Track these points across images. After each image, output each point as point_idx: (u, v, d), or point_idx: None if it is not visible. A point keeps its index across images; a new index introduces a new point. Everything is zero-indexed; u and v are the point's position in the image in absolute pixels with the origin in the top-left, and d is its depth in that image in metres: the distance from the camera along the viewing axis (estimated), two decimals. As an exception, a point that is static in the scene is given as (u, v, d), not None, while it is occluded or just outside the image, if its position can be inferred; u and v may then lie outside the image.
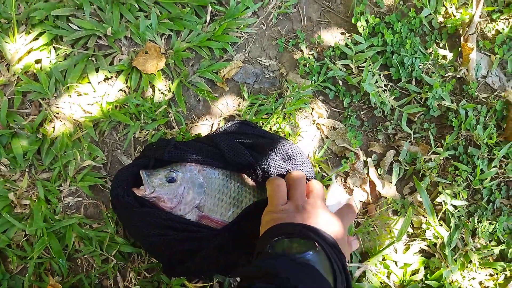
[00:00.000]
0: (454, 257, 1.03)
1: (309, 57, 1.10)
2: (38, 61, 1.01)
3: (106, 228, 0.92)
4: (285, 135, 1.02)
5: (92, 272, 0.92)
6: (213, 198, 0.87)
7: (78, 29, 1.02)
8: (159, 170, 0.85)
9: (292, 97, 1.04)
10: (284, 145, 0.89)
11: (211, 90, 1.05)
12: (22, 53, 1.00)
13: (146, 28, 1.04)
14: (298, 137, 1.05)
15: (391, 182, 1.06)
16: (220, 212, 0.87)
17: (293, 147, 0.89)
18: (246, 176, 0.92)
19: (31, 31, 1.02)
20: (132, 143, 0.99)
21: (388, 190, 1.05)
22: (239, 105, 1.06)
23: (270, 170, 0.84)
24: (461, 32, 1.15)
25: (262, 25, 1.13)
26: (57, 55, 1.01)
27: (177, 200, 0.84)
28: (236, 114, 1.04)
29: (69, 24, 1.02)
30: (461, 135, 1.11)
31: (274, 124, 1.03)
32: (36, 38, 1.01)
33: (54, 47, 1.01)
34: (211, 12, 1.09)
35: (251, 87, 1.08)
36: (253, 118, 1.02)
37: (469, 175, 1.09)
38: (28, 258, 0.89)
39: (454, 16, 1.16)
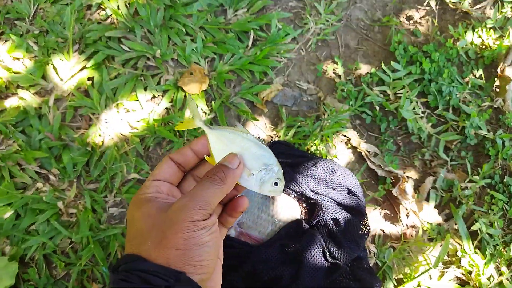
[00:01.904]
0: (489, 286, 1.12)
1: (346, 83, 1.25)
2: (90, 78, 1.18)
3: (150, 238, 1.05)
4: (321, 156, 1.15)
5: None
6: (253, 215, 1.00)
7: (129, 50, 1.19)
8: None
9: (329, 121, 1.18)
10: (324, 161, 1.01)
11: (251, 111, 1.19)
12: (75, 71, 1.18)
13: (192, 51, 1.21)
14: (334, 159, 1.17)
15: (428, 208, 1.17)
16: (259, 230, 1.00)
17: (332, 162, 1.01)
18: (284, 195, 1.03)
19: (84, 50, 1.20)
20: (175, 159, 1.13)
21: (427, 216, 1.16)
22: (277, 126, 1.19)
23: (313, 187, 0.96)
24: (497, 63, 1.28)
25: (301, 51, 1.28)
26: (108, 74, 1.17)
27: None
28: (274, 135, 1.18)
29: (121, 45, 1.20)
30: (498, 164, 1.22)
31: (312, 146, 1.16)
32: (89, 57, 1.19)
33: (106, 66, 1.18)
34: (253, 37, 1.25)
35: (289, 109, 1.22)
36: (291, 139, 1.15)
37: (505, 205, 1.20)
38: (73, 265, 1.02)
39: (491, 47, 1.30)
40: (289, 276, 0.90)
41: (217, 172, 0.59)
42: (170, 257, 0.52)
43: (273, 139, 1.18)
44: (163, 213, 0.55)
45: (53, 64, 1.17)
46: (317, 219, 0.98)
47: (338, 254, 0.93)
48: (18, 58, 1.17)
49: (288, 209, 1.03)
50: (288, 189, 1.02)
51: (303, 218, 1.04)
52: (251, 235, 0.99)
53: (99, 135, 1.13)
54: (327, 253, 0.93)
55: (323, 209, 0.97)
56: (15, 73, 1.15)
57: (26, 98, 1.13)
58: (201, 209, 0.55)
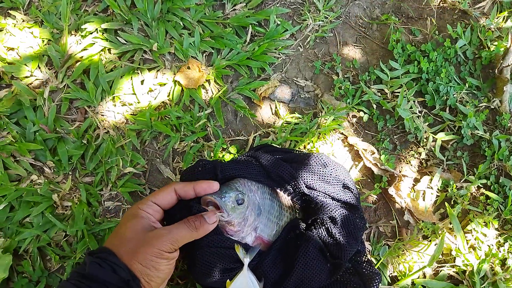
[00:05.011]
0: (482, 286, 1.13)
1: (344, 80, 1.25)
2: (85, 71, 1.17)
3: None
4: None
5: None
6: (265, 218, 0.95)
7: (126, 42, 1.19)
8: (226, 191, 0.87)
9: (326, 118, 1.19)
10: (315, 155, 1.01)
11: (248, 107, 1.19)
12: (71, 62, 1.17)
13: (189, 45, 1.21)
14: (331, 157, 1.18)
15: (424, 207, 1.18)
16: (267, 232, 0.96)
17: (324, 156, 1.02)
18: (282, 193, 1.02)
19: (80, 42, 1.19)
20: (171, 153, 1.13)
21: (422, 214, 1.17)
22: (274, 123, 1.20)
23: (307, 181, 0.97)
24: (495, 64, 1.30)
25: (299, 47, 1.29)
26: (104, 66, 1.16)
27: (244, 223, 0.88)
28: (271, 131, 1.19)
29: (117, 37, 1.19)
30: (493, 165, 1.24)
31: (308, 143, 1.17)
32: (85, 49, 1.18)
33: (101, 58, 1.17)
34: (251, 32, 1.25)
35: (286, 106, 1.23)
36: (288, 136, 1.16)
37: (500, 205, 1.21)
38: (68, 258, 1.03)
39: (489, 48, 1.31)
40: (292, 285, 0.88)
41: (195, 220, 0.77)
42: (134, 266, 0.71)
43: (270, 136, 1.19)
44: (145, 232, 0.74)
45: (48, 55, 1.16)
46: (314, 218, 0.97)
47: (338, 253, 0.92)
48: (12, 49, 1.16)
49: (287, 208, 1.02)
50: (287, 185, 1.00)
51: (299, 217, 1.04)
52: (263, 238, 0.95)
53: (95, 129, 1.13)
54: (328, 254, 0.93)
55: (319, 207, 0.97)
56: (9, 63, 1.15)
57: (20, 89, 1.12)
58: (169, 243, 0.73)
